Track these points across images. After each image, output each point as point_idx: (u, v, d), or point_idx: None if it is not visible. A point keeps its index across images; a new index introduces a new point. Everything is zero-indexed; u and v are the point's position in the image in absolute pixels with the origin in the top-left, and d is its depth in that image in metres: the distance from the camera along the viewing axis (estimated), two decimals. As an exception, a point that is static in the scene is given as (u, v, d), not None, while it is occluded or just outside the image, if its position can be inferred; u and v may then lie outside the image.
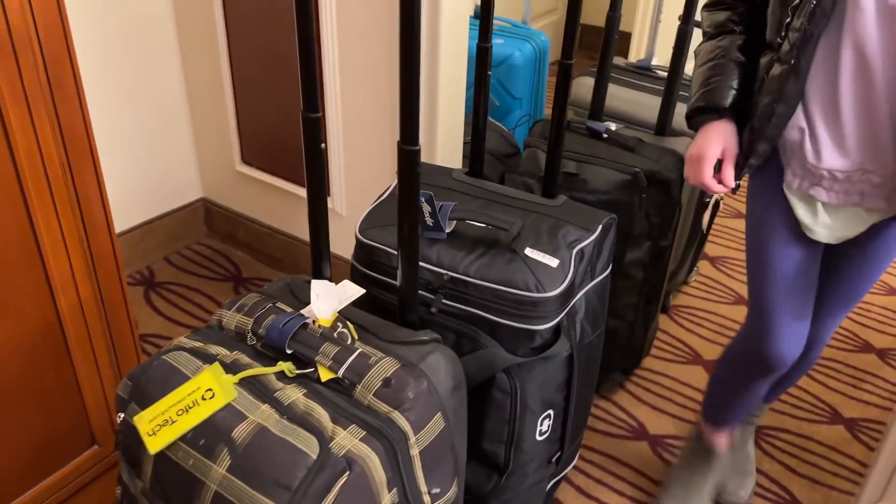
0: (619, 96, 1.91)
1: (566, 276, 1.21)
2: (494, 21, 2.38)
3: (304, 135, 0.98)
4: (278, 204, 2.13)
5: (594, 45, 1.70)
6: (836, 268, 1.26)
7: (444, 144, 1.69)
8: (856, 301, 1.31)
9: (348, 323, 1.01)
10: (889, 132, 1.04)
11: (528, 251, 1.23)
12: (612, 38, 1.68)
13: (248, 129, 2.07)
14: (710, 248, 2.39)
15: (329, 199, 1.96)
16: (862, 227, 1.16)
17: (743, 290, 2.20)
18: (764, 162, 1.17)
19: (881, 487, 1.43)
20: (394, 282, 1.24)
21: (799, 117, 1.11)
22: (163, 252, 2.26)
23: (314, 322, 1.02)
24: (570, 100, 2.07)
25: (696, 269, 2.24)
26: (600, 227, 1.30)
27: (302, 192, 2.04)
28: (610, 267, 1.39)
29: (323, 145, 0.98)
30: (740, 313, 2.10)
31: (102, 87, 1.90)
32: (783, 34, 1.08)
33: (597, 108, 1.75)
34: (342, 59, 1.73)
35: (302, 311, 1.03)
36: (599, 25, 1.68)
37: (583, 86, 1.94)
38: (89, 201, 1.20)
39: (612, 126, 1.69)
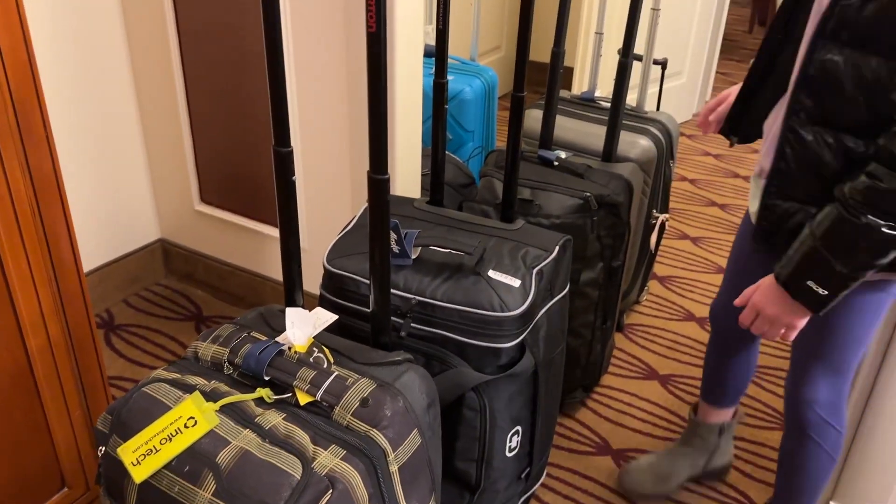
0: (565, 126, 2.00)
1: (528, 296, 1.27)
2: (445, 58, 2.46)
3: (276, 169, 1.02)
4: (238, 241, 2.15)
5: (538, 80, 1.80)
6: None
7: (403, 176, 1.75)
8: (822, 347, 1.28)
9: (324, 348, 1.05)
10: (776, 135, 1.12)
11: (491, 273, 1.28)
12: (558, 72, 1.78)
13: (206, 169, 2.10)
14: (658, 268, 2.49)
15: (290, 235, 2.00)
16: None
17: (692, 307, 2.30)
18: None
19: (832, 485, 1.52)
20: (363, 309, 1.29)
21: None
22: (121, 294, 2.25)
23: (290, 348, 1.05)
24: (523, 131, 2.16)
25: (646, 288, 2.33)
26: (557, 247, 1.37)
27: (262, 228, 2.07)
28: (568, 286, 1.45)
29: (294, 178, 1.02)
30: (691, 329, 2.20)
31: (55, 129, 1.90)
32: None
33: (546, 137, 1.84)
34: (301, 95, 1.78)
35: (277, 339, 1.06)
36: (541, 61, 1.78)
37: (531, 118, 2.03)
38: (58, 242, 1.21)
39: (562, 154, 1.77)
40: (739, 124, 1.31)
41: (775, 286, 1.10)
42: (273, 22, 0.92)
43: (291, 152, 1.01)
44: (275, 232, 2.05)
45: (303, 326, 1.04)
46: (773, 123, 1.16)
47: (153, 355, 2.03)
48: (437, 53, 1.41)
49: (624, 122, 1.98)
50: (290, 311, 1.05)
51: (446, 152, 2.02)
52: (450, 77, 2.36)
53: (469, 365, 1.27)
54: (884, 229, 0.97)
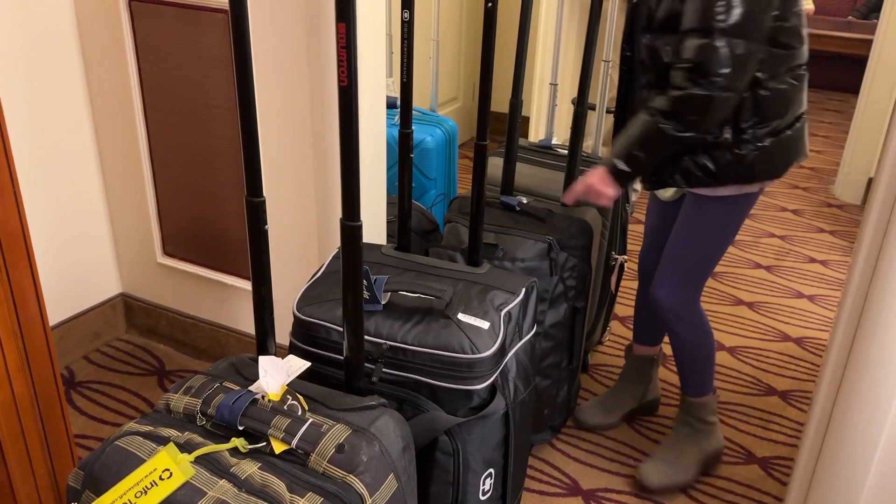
0: (525, 173, 2.06)
1: (497, 337, 1.29)
2: (407, 109, 2.52)
3: (249, 218, 1.04)
4: (202, 293, 2.14)
5: (497, 129, 1.87)
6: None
7: (369, 223, 1.77)
8: (670, 258, 1.68)
9: (297, 395, 1.05)
10: None
11: (461, 316, 1.31)
12: (517, 121, 1.84)
13: (169, 221, 2.10)
14: (619, 309, 2.55)
15: (256, 285, 2.00)
16: (666, 193, 1.71)
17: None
18: None
19: (804, 487, 1.55)
20: (335, 356, 1.30)
21: None
22: (82, 351, 2.21)
23: (263, 397, 1.05)
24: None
25: (608, 328, 2.38)
26: (524, 289, 1.40)
27: (226, 278, 2.07)
28: (535, 327, 1.48)
29: (266, 227, 1.04)
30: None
31: (19, 187, 1.89)
32: None
33: (507, 183, 1.89)
34: (266, 147, 1.80)
35: (250, 388, 1.06)
36: (498, 111, 1.84)
37: (491, 165, 2.09)
38: (24, 297, 1.20)
39: (524, 199, 1.82)
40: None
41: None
42: (246, 74, 0.95)
43: (264, 202, 1.03)
44: (238, 282, 2.05)
45: (276, 374, 1.05)
46: None
47: (116, 412, 1.98)
48: (402, 104, 1.46)
49: (581, 167, 2.05)
50: (263, 360, 1.05)
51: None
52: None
53: (441, 408, 1.28)
54: (661, 125, 1.43)
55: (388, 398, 1.27)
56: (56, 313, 2.11)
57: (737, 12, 1.33)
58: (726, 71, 1.35)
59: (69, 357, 2.17)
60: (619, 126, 1.70)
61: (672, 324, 1.73)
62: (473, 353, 1.26)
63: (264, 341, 1.14)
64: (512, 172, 1.90)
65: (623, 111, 1.70)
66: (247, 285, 2.03)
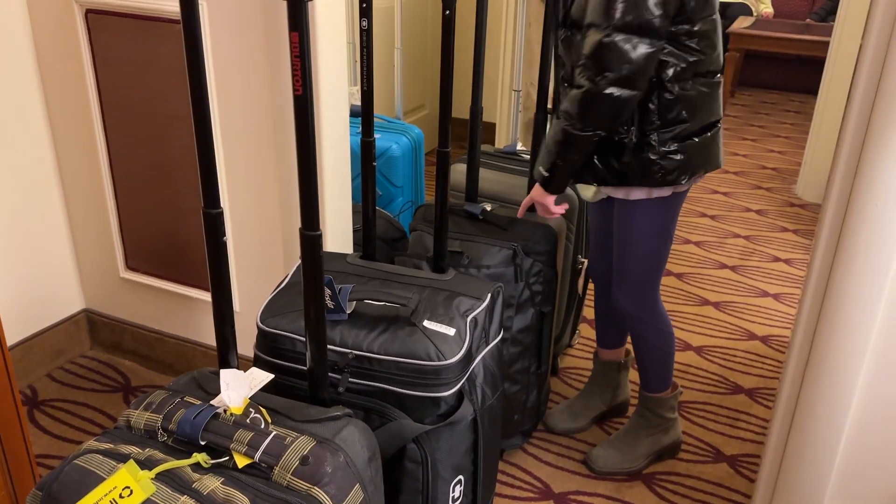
0: (491, 179, 2.07)
1: (464, 343, 1.29)
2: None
3: (206, 230, 1.03)
4: (167, 307, 2.11)
5: (462, 135, 1.87)
6: None
7: (335, 232, 1.76)
8: (617, 263, 1.69)
9: (260, 408, 1.04)
10: None
11: (427, 323, 1.31)
12: (478, 128, 1.85)
13: (131, 235, 2.07)
14: (588, 311, 2.56)
15: (222, 297, 1.98)
16: (587, 193, 1.69)
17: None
18: None
19: (770, 489, 1.57)
20: (299, 367, 1.29)
21: None
22: (45, 369, 2.17)
23: (226, 411, 1.04)
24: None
25: (577, 332, 2.39)
26: (489, 295, 1.40)
27: (191, 292, 2.04)
28: (501, 332, 1.49)
29: (224, 238, 1.03)
30: (623, 369, 2.25)
31: (-25, 204, 1.86)
32: None
33: (471, 190, 1.90)
34: (228, 157, 1.79)
35: (212, 402, 1.05)
36: (464, 118, 1.85)
37: (457, 172, 2.09)
38: (-22, 315, 1.18)
39: (488, 206, 1.83)
40: None
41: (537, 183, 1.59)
42: (199, 83, 0.95)
43: (221, 213, 1.02)
44: (204, 296, 2.03)
45: (238, 388, 1.04)
46: None
47: (80, 430, 1.95)
48: (364, 113, 1.45)
49: (545, 172, 2.06)
50: (224, 373, 1.04)
51: (377, 208, 2.07)
52: (377, 135, 2.44)
53: (409, 416, 1.27)
54: (565, 126, 1.44)
55: (354, 408, 1.27)
56: (17, 331, 2.07)
57: (631, 7, 1.33)
58: (623, 67, 1.35)
59: (32, 376, 2.13)
60: None
61: (633, 324, 1.76)
62: (439, 360, 1.26)
63: (226, 354, 1.12)
64: (475, 179, 1.91)
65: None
66: (212, 298, 2.01)
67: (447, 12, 1.28)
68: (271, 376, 1.08)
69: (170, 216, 1.98)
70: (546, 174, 1.54)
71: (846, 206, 1.27)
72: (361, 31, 1.33)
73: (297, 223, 1.82)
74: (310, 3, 1.60)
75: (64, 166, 2.07)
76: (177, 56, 1.77)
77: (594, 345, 2.37)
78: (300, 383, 1.27)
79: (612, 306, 1.80)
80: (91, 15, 1.83)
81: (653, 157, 1.47)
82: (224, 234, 1.04)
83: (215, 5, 1.64)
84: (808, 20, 5.57)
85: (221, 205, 1.83)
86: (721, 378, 2.25)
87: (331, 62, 1.60)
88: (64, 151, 2.05)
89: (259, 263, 1.88)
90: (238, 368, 1.12)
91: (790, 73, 5.53)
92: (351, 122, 1.80)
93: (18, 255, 2.02)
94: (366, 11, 1.31)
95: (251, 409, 1.04)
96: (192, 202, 1.92)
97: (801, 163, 3.84)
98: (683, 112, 1.46)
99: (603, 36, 1.35)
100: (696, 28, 1.41)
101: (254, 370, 1.09)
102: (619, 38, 1.34)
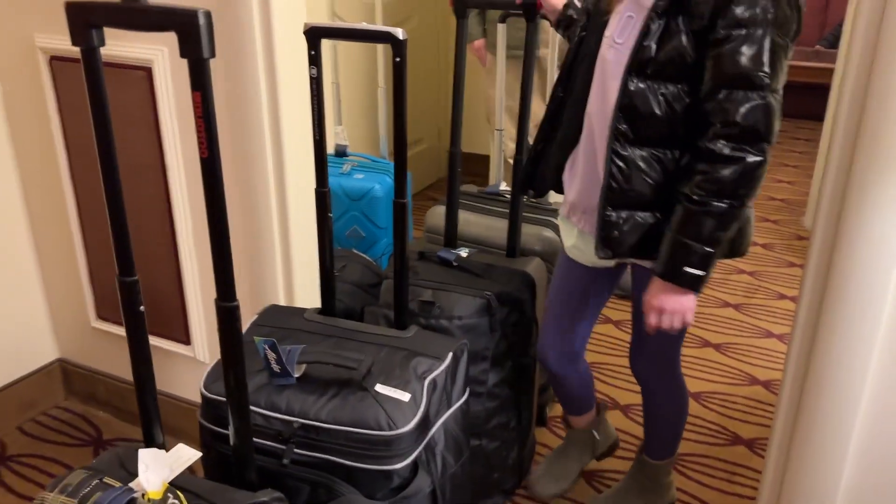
0: (471, 221, 1.99)
1: (419, 409, 1.21)
2: (355, 157, 2.47)
3: (122, 299, 0.96)
4: (140, 358, 2.04)
5: (474, 170, 1.81)
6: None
7: (303, 283, 1.69)
8: (642, 333, 1.47)
9: (178, 493, 0.96)
10: (599, 175, 1.35)
11: (379, 387, 1.22)
12: (456, 170, 1.78)
13: (101, 284, 2.01)
14: (583, 356, 2.46)
15: (190, 349, 1.91)
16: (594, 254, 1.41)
17: (614, 393, 2.26)
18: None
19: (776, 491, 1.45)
20: (243, 436, 1.20)
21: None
22: (15, 421, 2.10)
23: (143, 495, 0.96)
24: (428, 227, 2.15)
25: (570, 378, 2.28)
26: (451, 354, 1.32)
27: (164, 343, 1.97)
28: (467, 392, 1.39)
29: (142, 308, 0.96)
30: (617, 419, 2.14)
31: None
32: None
33: (449, 235, 1.82)
34: (195, 225, 1.74)
35: (131, 485, 0.97)
36: (468, 151, 1.78)
37: (436, 215, 2.02)
38: None
39: (464, 253, 1.74)
40: (532, 181, 1.59)
41: (662, 283, 1.29)
42: (108, 151, 0.88)
43: (137, 282, 0.95)
44: (176, 347, 1.96)
45: (158, 469, 0.96)
46: (573, 169, 1.48)
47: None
48: (317, 162, 1.39)
49: (528, 214, 1.98)
50: (143, 454, 0.96)
51: (355, 251, 2.00)
52: (359, 175, 2.38)
53: (359, 490, 1.18)
54: (718, 204, 1.22)
55: (300, 482, 1.18)
56: (-15, 383, 2.01)
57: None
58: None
59: (1, 429, 2.06)
60: (534, 168, 1.57)
61: (651, 392, 1.65)
62: (390, 430, 1.17)
63: (150, 429, 1.05)
64: (455, 223, 1.83)
65: (543, 151, 1.55)
66: (185, 350, 1.94)
67: (398, 59, 1.21)
68: (198, 454, 1.00)
69: (138, 265, 1.91)
70: (701, 273, 1.26)
71: (834, 236, 1.18)
72: (311, 79, 1.26)
73: (266, 267, 1.76)
74: (275, 52, 1.55)
75: (33, 214, 2.02)
76: (140, 103, 1.72)
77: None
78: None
79: (572, 378, 1.69)
80: (55, 62, 1.80)
81: (742, 225, 1.33)
82: (141, 304, 0.96)
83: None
84: (817, 46, 5.47)
85: (188, 258, 1.79)
86: (720, 427, 2.13)
87: (298, 106, 1.54)
88: (33, 199, 2.01)
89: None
90: (163, 445, 1.04)
91: (799, 100, 5.42)
92: (332, 162, 1.74)
93: (-14, 306, 1.97)
94: (314, 59, 1.25)
95: (169, 495, 0.96)
96: (161, 251, 1.86)
97: (808, 193, 3.72)
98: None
99: (767, 100, 1.18)
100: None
101: (180, 447, 1.01)
102: (777, 99, 1.20)
